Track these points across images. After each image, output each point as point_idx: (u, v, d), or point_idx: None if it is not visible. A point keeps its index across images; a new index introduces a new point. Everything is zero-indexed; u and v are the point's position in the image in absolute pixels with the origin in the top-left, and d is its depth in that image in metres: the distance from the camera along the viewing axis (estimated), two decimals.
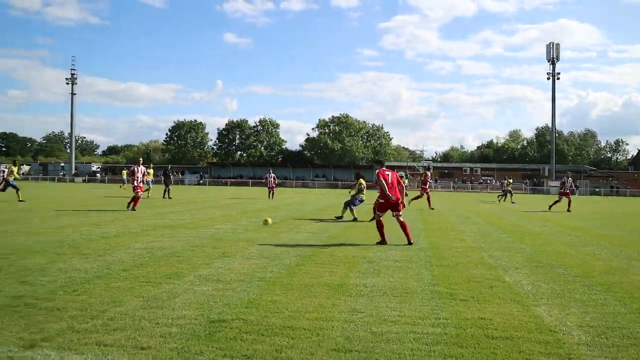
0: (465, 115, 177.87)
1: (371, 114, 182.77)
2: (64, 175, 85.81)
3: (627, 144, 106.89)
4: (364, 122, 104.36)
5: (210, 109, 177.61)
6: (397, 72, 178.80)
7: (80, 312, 4.76)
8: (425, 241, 10.78)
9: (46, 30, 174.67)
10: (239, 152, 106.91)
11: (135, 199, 17.18)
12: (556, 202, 23.61)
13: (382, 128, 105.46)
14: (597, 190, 70.56)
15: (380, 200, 10.32)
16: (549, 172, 75.72)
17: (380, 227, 10.27)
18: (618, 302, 5.73)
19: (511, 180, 35.31)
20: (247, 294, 5.63)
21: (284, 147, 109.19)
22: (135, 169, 18.46)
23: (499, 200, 33.95)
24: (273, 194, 30.61)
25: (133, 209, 16.84)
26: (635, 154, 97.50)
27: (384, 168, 10.59)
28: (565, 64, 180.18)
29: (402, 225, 10.22)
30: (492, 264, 8.10)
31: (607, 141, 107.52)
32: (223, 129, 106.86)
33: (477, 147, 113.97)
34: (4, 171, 26.72)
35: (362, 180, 16.49)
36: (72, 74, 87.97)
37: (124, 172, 51.19)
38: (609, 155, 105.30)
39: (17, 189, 21.62)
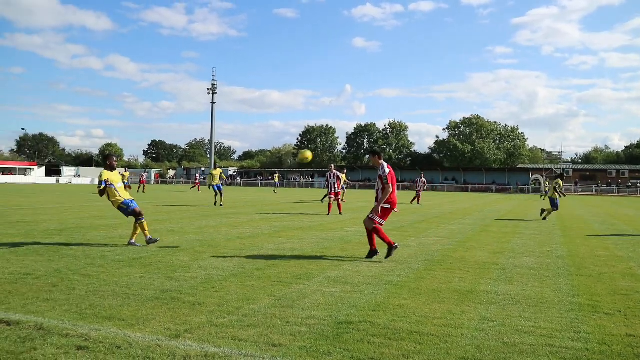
0: (610, 113, 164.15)
1: (504, 114, 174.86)
2: (204, 179, 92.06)
3: None
4: (496, 122, 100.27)
5: (339, 113, 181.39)
6: (533, 69, 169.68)
7: (218, 307, 5.09)
8: (563, 249, 10.08)
9: (191, 45, 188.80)
10: (367, 156, 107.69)
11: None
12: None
13: (517, 129, 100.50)
14: None
15: (386, 206, 8.23)
16: None
17: (382, 235, 8.17)
18: None
19: None
20: (375, 297, 5.65)
21: (412, 149, 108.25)
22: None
23: None
24: (419, 198, 28.28)
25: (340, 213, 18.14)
26: None
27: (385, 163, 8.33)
28: None
29: (375, 230, 8.29)
30: None
31: None
32: (352, 133, 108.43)
33: (625, 148, 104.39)
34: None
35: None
36: (213, 84, 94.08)
37: (276, 176, 54.00)
38: None
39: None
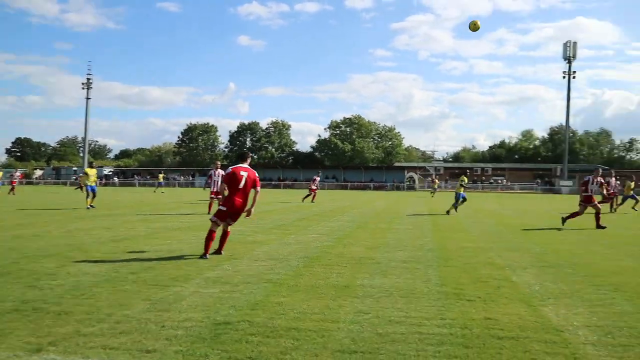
0: (477, 115, 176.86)
1: (383, 114, 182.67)
2: (76, 179, 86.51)
3: None
4: (375, 122, 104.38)
5: (223, 111, 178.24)
6: (410, 72, 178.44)
7: (87, 315, 4.80)
8: (434, 242, 10.74)
9: (65, 36, 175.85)
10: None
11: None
12: (619, 204, 23.16)
13: (393, 129, 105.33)
14: None
15: (222, 208, 8.30)
16: (561, 171, 75.10)
17: (210, 239, 8.18)
18: (626, 301, 5.69)
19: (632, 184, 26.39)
20: (254, 296, 5.65)
21: (295, 148, 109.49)
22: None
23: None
24: (314, 196, 28.36)
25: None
26: None
27: (242, 165, 8.41)
28: (581, 62, 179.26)
29: (225, 235, 8.53)
30: (500, 264, 8.07)
31: (621, 140, 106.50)
32: (235, 132, 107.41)
33: (489, 147, 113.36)
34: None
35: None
36: (88, 79, 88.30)
37: (161, 175, 51.77)
38: (623, 154, 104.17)
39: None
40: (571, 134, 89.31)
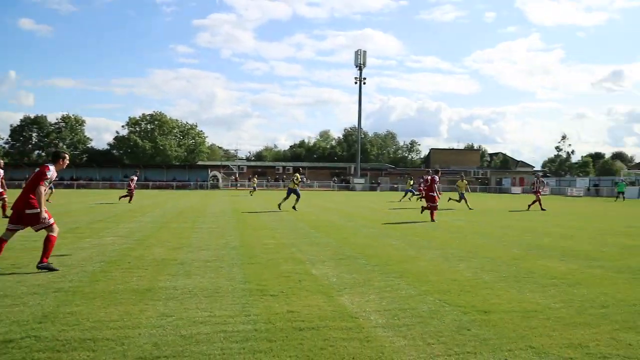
0: (278, 116, 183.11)
1: (185, 112, 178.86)
2: None
3: (419, 145, 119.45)
4: (178, 120, 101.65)
5: (1, 103, 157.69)
6: (213, 70, 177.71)
7: None
8: (237, 240, 10.84)
9: None
10: (36, 152, 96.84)
11: None
12: (534, 201, 24.54)
13: (196, 127, 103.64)
14: (396, 186, 77.53)
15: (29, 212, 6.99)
16: (354, 170, 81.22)
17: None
18: (409, 286, 6.38)
19: (411, 182, 35.45)
20: (41, 308, 5.10)
21: (89, 145, 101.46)
22: None
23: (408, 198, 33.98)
24: (130, 198, 27.39)
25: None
26: (427, 153, 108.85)
27: (48, 165, 7.21)
28: (371, 70, 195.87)
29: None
30: (301, 258, 8.45)
31: (404, 142, 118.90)
32: (17, 126, 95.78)
33: (290, 147, 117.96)
34: None
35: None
36: None
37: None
38: (406, 154, 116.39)
39: None
40: (363, 136, 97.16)
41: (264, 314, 5.01)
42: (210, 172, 78.89)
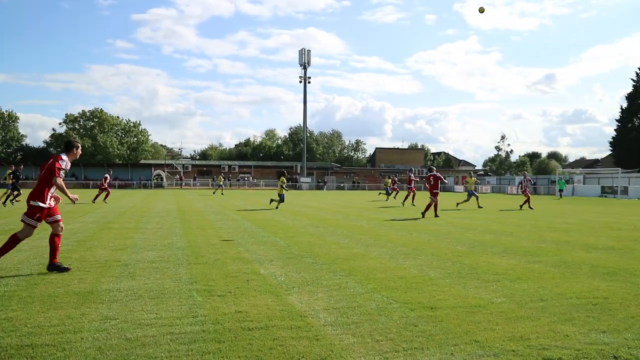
0: (222, 114, 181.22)
1: (126, 109, 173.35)
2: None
3: (364, 144, 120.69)
4: (119, 117, 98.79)
5: None
6: (154, 67, 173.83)
7: None
8: (183, 240, 10.65)
9: None
10: None
11: None
12: (525, 201, 24.80)
13: (139, 125, 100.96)
14: (342, 185, 78.23)
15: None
16: (301, 169, 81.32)
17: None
18: (357, 284, 6.44)
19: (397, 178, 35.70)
20: None
21: (24, 143, 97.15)
22: None
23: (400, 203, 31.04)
24: (107, 196, 27.98)
25: None
26: (372, 152, 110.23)
27: (61, 155, 7.30)
28: (315, 69, 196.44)
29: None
30: (249, 258, 8.38)
31: (349, 141, 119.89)
32: None
33: (235, 145, 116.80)
34: None
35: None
36: None
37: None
38: (351, 153, 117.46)
39: None
40: (309, 135, 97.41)
41: (211, 314, 4.94)
42: (154, 171, 77.21)
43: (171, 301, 5.44)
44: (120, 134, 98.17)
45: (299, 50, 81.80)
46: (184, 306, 5.23)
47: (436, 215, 17.89)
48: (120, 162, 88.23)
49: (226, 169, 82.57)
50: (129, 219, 15.86)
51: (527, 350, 4.04)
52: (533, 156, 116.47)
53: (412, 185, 28.19)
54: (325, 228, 13.68)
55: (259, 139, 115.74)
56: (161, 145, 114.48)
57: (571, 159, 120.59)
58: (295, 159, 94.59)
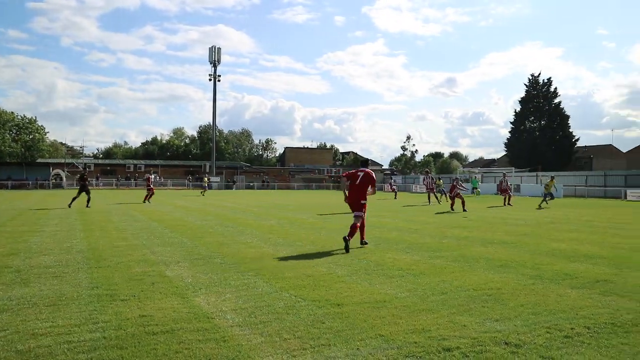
0: (128, 111, 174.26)
1: (20, 104, 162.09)
2: None
3: (275, 143, 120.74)
4: (13, 113, 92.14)
5: None
6: (52, 59, 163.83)
7: None
8: (84, 243, 10.14)
9: None
10: None
11: None
12: (508, 198, 26.81)
13: (35, 121, 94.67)
14: (252, 184, 77.68)
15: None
16: (210, 168, 79.88)
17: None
18: (265, 283, 6.43)
19: (441, 181, 34.69)
20: None
21: None
22: None
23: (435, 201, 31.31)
24: (151, 196, 28.74)
25: None
26: (281, 152, 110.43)
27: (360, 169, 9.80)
28: (224, 67, 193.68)
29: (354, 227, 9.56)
30: (154, 260, 8.13)
31: (259, 140, 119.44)
32: None
33: (142, 144, 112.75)
34: None
35: None
36: None
37: None
38: (261, 153, 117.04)
39: None
40: (218, 133, 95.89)
41: (113, 320, 4.74)
42: (53, 170, 72.80)
43: (69, 308, 5.16)
44: (13, 131, 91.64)
45: (210, 48, 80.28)
46: (84, 313, 4.98)
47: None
48: (14, 160, 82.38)
49: (131, 168, 79.54)
50: (22, 222, 14.86)
51: (428, 342, 4.22)
52: (436, 156, 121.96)
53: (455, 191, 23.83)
54: (235, 228, 13.54)
55: (166, 138, 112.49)
56: (61, 143, 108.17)
57: (471, 159, 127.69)
58: (204, 158, 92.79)
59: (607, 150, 79.64)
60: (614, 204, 31.78)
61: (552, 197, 26.83)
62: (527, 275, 7.12)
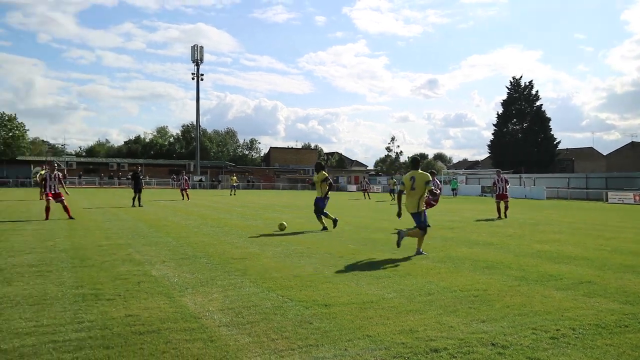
0: (109, 109, 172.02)
1: None
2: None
3: (259, 143, 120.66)
4: None
5: None
6: (30, 56, 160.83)
7: None
8: (67, 242, 10.02)
9: None
10: None
11: None
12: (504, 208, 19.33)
13: (15, 118, 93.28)
14: (237, 184, 77.36)
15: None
16: (194, 167, 79.44)
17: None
18: (252, 283, 6.41)
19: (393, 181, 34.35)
20: None
21: None
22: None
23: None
24: (187, 195, 31.54)
25: None
26: (266, 151, 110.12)
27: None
28: (206, 66, 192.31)
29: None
30: (139, 259, 8.06)
31: (244, 139, 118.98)
32: None
33: (125, 142, 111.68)
34: None
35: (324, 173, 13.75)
36: None
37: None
38: (246, 152, 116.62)
39: None
40: (202, 133, 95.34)
41: (99, 319, 4.69)
42: (34, 168, 71.82)
43: (54, 307, 5.09)
44: None
45: (192, 47, 79.69)
46: (68, 312, 4.93)
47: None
48: None
49: (115, 167, 78.82)
50: (3, 219, 14.65)
51: (415, 342, 4.24)
52: (420, 157, 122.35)
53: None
54: (220, 228, 13.48)
55: (149, 136, 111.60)
56: (42, 141, 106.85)
57: (455, 160, 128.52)
58: (189, 158, 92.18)
59: (587, 153, 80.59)
60: (595, 206, 32.19)
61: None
62: (513, 276, 7.18)
